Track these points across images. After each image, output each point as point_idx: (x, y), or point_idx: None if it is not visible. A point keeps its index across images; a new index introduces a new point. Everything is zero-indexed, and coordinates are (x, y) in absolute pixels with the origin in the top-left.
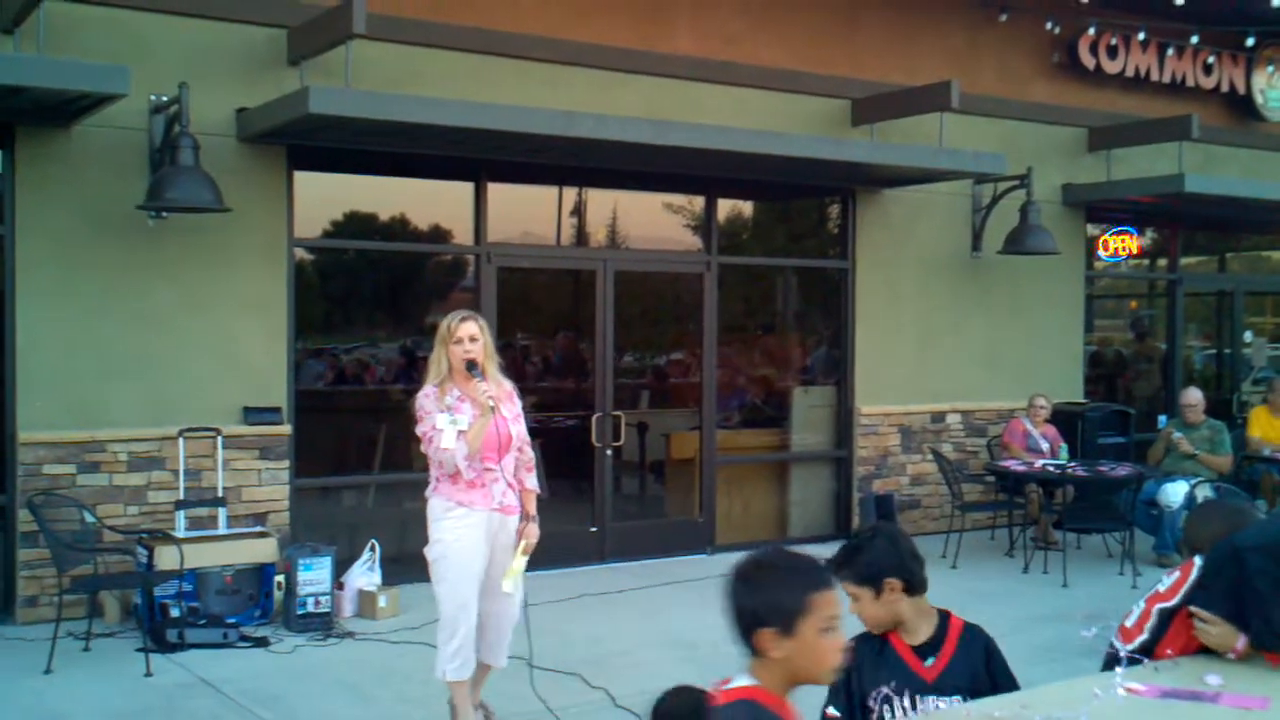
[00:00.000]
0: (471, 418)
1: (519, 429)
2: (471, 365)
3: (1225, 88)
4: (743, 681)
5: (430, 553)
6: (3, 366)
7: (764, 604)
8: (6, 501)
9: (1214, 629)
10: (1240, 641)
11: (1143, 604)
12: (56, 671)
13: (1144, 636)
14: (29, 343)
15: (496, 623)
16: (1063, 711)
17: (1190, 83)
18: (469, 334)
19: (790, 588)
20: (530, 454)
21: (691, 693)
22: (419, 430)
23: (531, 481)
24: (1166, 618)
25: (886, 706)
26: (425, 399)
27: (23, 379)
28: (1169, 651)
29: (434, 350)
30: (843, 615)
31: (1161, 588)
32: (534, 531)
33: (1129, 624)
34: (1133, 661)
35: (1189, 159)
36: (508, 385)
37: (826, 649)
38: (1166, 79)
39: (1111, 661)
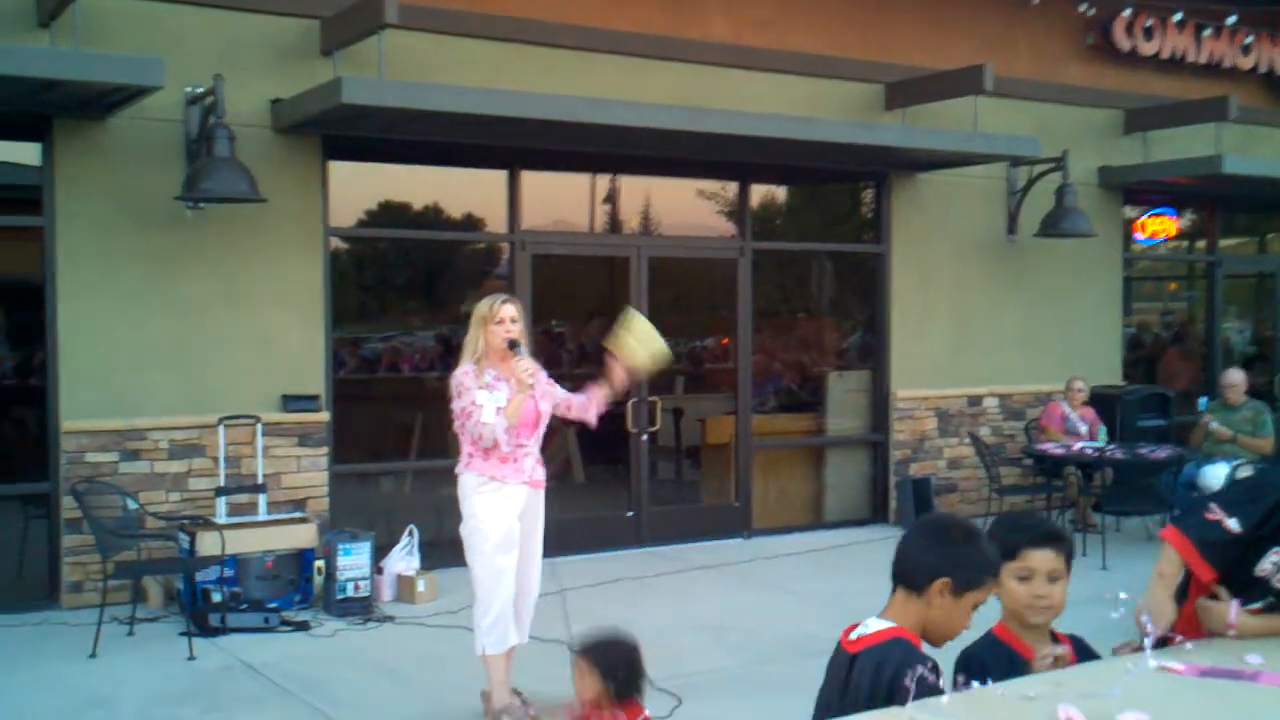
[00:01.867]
0: (510, 394)
1: (555, 392)
2: (514, 344)
3: (1264, 68)
4: (880, 625)
5: (464, 528)
6: (45, 357)
7: (951, 560)
8: (50, 489)
9: (1213, 608)
10: (1232, 613)
11: None
12: (101, 655)
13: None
14: (70, 333)
15: (524, 601)
16: (1096, 690)
17: (1228, 63)
18: (510, 315)
19: (983, 559)
20: (577, 397)
21: (619, 642)
22: (456, 406)
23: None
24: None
25: None
26: (465, 376)
27: (65, 369)
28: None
29: (470, 331)
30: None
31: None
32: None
33: None
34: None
35: (1227, 140)
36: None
37: (964, 623)
38: (1203, 60)
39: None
